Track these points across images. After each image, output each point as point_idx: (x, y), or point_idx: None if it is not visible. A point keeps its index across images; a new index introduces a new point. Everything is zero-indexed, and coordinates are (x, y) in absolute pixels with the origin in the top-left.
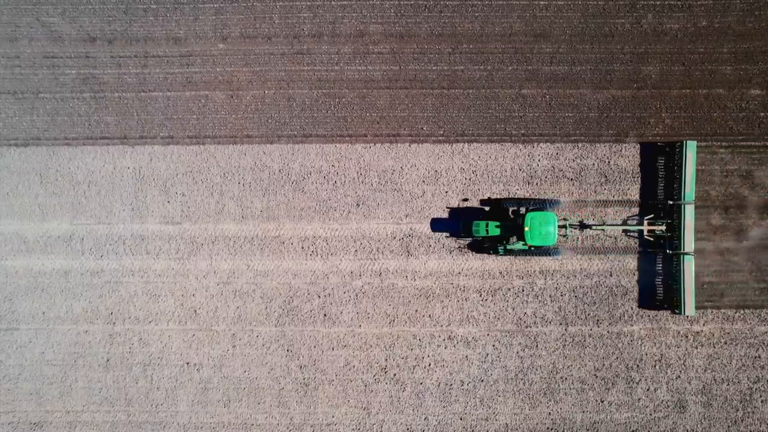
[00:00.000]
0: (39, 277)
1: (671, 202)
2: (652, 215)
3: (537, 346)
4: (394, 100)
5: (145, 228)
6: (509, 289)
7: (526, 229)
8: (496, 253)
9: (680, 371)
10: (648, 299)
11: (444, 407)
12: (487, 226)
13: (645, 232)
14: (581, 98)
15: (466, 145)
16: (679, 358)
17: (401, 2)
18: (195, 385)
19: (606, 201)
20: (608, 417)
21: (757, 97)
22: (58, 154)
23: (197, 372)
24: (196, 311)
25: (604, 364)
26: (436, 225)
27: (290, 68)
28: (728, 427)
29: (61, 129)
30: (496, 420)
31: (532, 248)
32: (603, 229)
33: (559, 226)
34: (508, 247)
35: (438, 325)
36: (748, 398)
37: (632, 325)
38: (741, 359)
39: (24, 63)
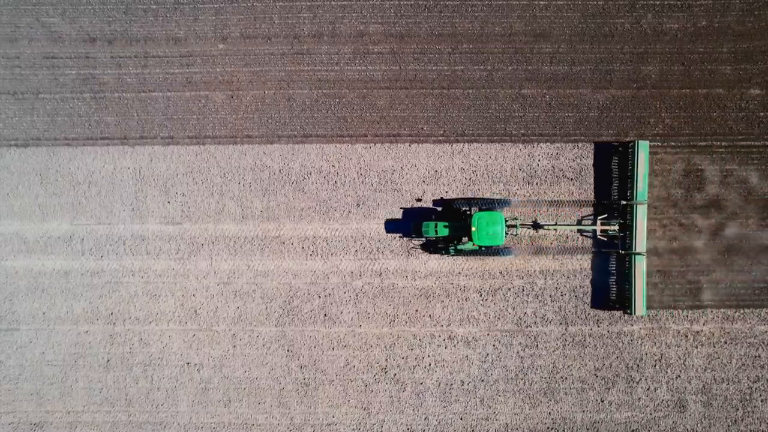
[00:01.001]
0: (39, 277)
1: (624, 202)
2: (606, 215)
3: (537, 345)
4: (394, 100)
5: (146, 228)
6: (509, 289)
7: (473, 229)
8: (448, 253)
9: (680, 371)
10: (601, 299)
11: (444, 407)
12: (436, 226)
13: (598, 232)
14: (581, 98)
15: (466, 145)
16: (679, 358)
17: (401, 2)
18: (195, 386)
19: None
20: (608, 416)
21: (757, 96)
22: (58, 154)
23: (198, 372)
24: (196, 311)
25: (604, 364)
26: (390, 226)
27: (290, 68)
28: (728, 426)
29: (61, 129)
30: (496, 420)
31: (483, 248)
32: (555, 229)
33: (510, 226)
34: (459, 247)
35: (438, 325)
36: (748, 398)
37: (632, 325)
38: (741, 359)
39: (24, 63)
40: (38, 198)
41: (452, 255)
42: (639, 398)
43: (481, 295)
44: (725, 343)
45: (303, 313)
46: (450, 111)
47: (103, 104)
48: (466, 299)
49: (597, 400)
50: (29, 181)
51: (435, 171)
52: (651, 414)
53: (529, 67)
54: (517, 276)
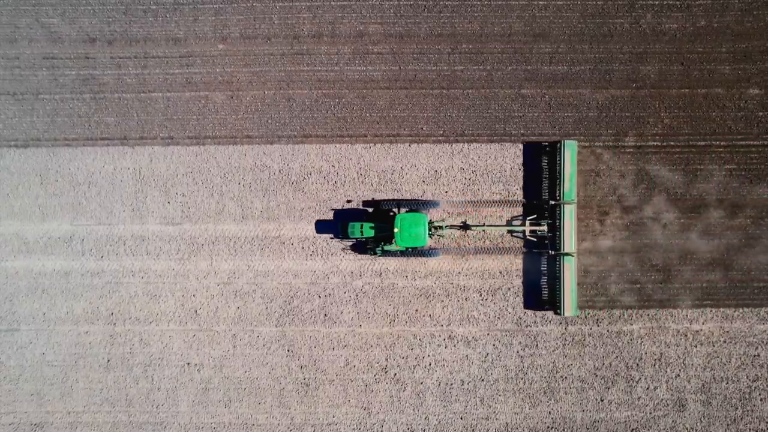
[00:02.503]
0: (39, 278)
1: (553, 203)
2: (535, 215)
3: (537, 345)
4: (394, 101)
5: (146, 229)
6: (509, 289)
7: (396, 230)
8: (375, 254)
9: (680, 370)
10: (533, 299)
11: (444, 407)
12: (362, 227)
13: (527, 233)
14: (580, 98)
15: (466, 145)
16: (679, 357)
17: (401, 3)
18: (196, 386)
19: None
20: (608, 416)
21: (756, 96)
22: (58, 155)
23: (198, 372)
24: (196, 311)
25: (603, 363)
26: (321, 226)
27: (290, 69)
28: (728, 425)
29: (61, 130)
30: (496, 419)
31: (410, 249)
32: (483, 230)
33: (437, 227)
34: (386, 248)
35: (438, 325)
36: (747, 397)
37: (632, 324)
38: (740, 358)
39: (24, 64)
40: (38, 198)
41: (379, 255)
42: (639, 397)
43: (480, 295)
44: (724, 342)
45: (303, 313)
46: (450, 111)
47: (103, 105)
48: (465, 299)
49: (597, 400)
50: (29, 181)
51: (435, 171)
52: (651, 413)
53: (529, 67)
54: (516, 276)
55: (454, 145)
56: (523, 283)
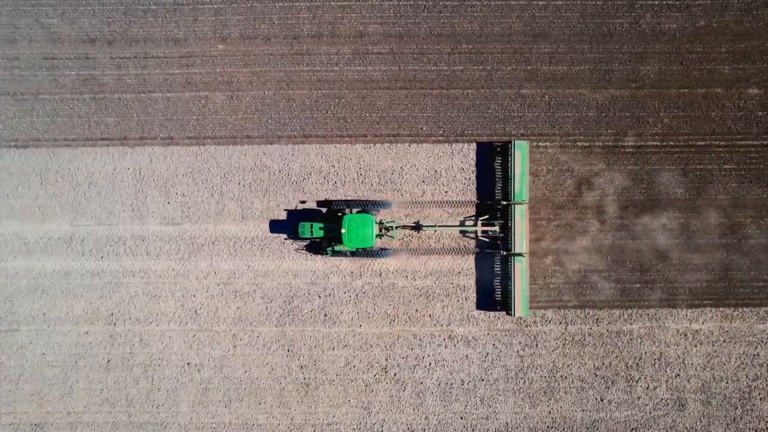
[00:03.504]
0: (39, 278)
1: (505, 203)
2: (487, 216)
3: (537, 345)
4: (394, 101)
5: (146, 229)
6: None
7: (343, 231)
8: (326, 254)
9: (679, 369)
10: (486, 300)
11: (444, 406)
12: (312, 227)
13: (479, 233)
14: (580, 98)
15: (466, 145)
16: (679, 357)
17: (400, 3)
18: (196, 386)
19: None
20: (608, 415)
21: (755, 96)
22: (58, 155)
23: (198, 372)
24: (196, 312)
25: (603, 363)
26: (275, 226)
27: (290, 69)
28: (727, 425)
29: (60, 130)
30: (496, 419)
31: (359, 250)
32: (435, 230)
33: (387, 227)
34: (336, 248)
35: (438, 325)
36: (747, 396)
37: (631, 324)
38: (740, 357)
39: (23, 64)
40: (38, 199)
41: (329, 255)
42: (638, 397)
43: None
44: (724, 341)
45: (303, 313)
46: (449, 111)
47: (103, 105)
48: (465, 299)
49: (597, 399)
50: (29, 182)
51: (435, 171)
52: (650, 413)
53: (528, 67)
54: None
55: (453, 145)
56: (476, 283)
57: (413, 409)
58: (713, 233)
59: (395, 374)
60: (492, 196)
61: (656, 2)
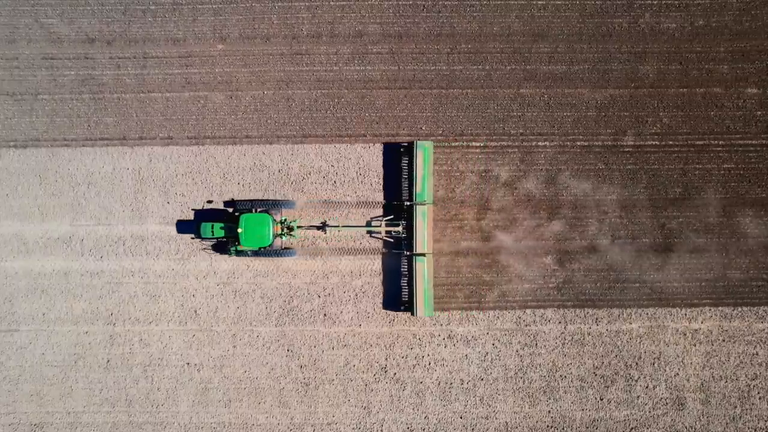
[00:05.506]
0: (39, 278)
1: (408, 203)
2: (392, 216)
3: (536, 344)
4: (393, 100)
5: (145, 229)
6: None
7: (240, 230)
8: (230, 254)
9: (679, 369)
10: (394, 300)
11: (444, 406)
12: (213, 227)
13: (383, 233)
14: (579, 97)
15: (464, 144)
16: (678, 356)
17: (400, 2)
18: (195, 386)
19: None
20: (607, 415)
21: (754, 95)
22: (57, 155)
23: (198, 372)
24: (196, 312)
25: (603, 362)
26: (181, 226)
27: (289, 69)
28: (726, 424)
29: (60, 130)
30: (496, 418)
31: (262, 249)
32: (339, 230)
33: (289, 227)
34: (239, 248)
35: (438, 324)
36: (746, 395)
37: (631, 323)
38: (739, 356)
39: (23, 64)
40: (38, 199)
41: (233, 255)
42: (638, 396)
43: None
44: (723, 341)
45: (303, 313)
46: (449, 111)
47: (102, 105)
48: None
49: (596, 399)
50: (28, 182)
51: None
52: (650, 412)
53: (528, 67)
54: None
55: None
56: (383, 283)
57: (413, 409)
58: (713, 232)
59: (395, 374)
60: (399, 196)
61: (655, 2)
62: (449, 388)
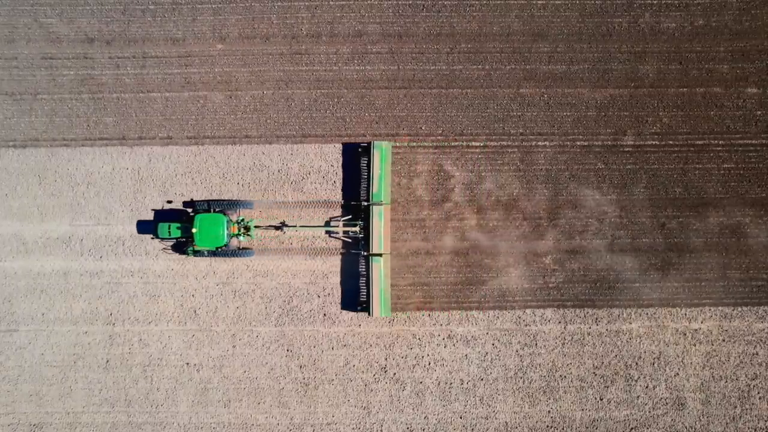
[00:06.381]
0: (38, 278)
1: (366, 203)
2: (350, 216)
3: (536, 344)
4: (393, 100)
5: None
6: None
7: (194, 230)
8: (187, 254)
9: (679, 369)
10: (352, 300)
11: (444, 406)
12: (170, 227)
13: (341, 233)
14: (579, 97)
15: (465, 144)
16: (678, 356)
17: (399, 2)
18: (195, 386)
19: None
20: (607, 415)
21: (754, 95)
22: (56, 155)
23: (197, 372)
24: (195, 312)
25: (603, 362)
26: (142, 226)
27: (289, 68)
28: (726, 423)
29: (59, 130)
30: (495, 418)
31: (218, 249)
32: (296, 229)
33: (246, 227)
34: (195, 248)
35: (437, 324)
36: (746, 395)
37: (631, 323)
38: (739, 356)
39: (22, 64)
40: (37, 199)
41: (190, 255)
42: (638, 396)
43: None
44: (723, 341)
45: (302, 313)
46: (448, 110)
47: (102, 105)
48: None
49: (596, 399)
50: (28, 181)
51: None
52: (650, 412)
53: (528, 67)
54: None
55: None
56: (341, 283)
57: (413, 409)
58: (713, 232)
59: (394, 374)
60: (358, 196)
61: (655, 1)
62: (449, 388)
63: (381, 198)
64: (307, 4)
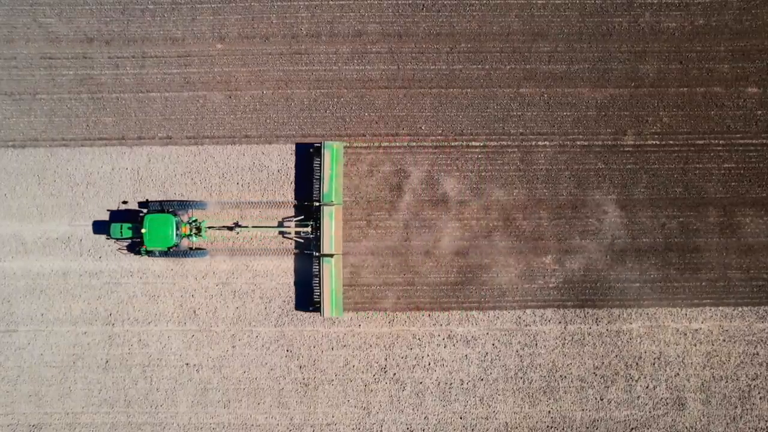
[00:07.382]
0: (37, 278)
1: (317, 204)
2: (302, 216)
3: (536, 344)
4: (393, 100)
5: None
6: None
7: (144, 231)
8: (140, 254)
9: (679, 369)
10: (306, 300)
11: (444, 406)
12: (121, 228)
13: (293, 234)
14: (579, 97)
15: (465, 144)
16: (678, 356)
17: (399, 2)
18: (195, 386)
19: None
20: (608, 415)
21: (755, 95)
22: (56, 155)
23: (197, 373)
24: (195, 312)
25: (603, 362)
26: (97, 227)
27: (288, 68)
28: (727, 424)
29: (58, 130)
30: (495, 419)
31: (171, 249)
32: (249, 230)
33: (197, 228)
34: (148, 248)
35: (437, 324)
36: (746, 395)
37: (631, 323)
38: (739, 356)
39: (21, 64)
40: (36, 199)
41: (143, 255)
42: (638, 396)
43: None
44: (724, 341)
45: (302, 313)
46: (448, 110)
47: (101, 105)
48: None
49: (596, 399)
50: (27, 181)
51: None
52: (650, 412)
53: (527, 67)
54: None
55: (453, 145)
56: (294, 284)
57: (412, 409)
58: (713, 232)
59: (394, 374)
60: (311, 197)
61: (655, 1)
62: (449, 388)
63: (332, 198)
64: (306, 3)
